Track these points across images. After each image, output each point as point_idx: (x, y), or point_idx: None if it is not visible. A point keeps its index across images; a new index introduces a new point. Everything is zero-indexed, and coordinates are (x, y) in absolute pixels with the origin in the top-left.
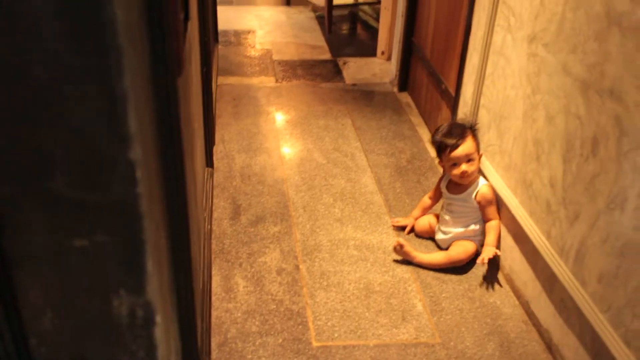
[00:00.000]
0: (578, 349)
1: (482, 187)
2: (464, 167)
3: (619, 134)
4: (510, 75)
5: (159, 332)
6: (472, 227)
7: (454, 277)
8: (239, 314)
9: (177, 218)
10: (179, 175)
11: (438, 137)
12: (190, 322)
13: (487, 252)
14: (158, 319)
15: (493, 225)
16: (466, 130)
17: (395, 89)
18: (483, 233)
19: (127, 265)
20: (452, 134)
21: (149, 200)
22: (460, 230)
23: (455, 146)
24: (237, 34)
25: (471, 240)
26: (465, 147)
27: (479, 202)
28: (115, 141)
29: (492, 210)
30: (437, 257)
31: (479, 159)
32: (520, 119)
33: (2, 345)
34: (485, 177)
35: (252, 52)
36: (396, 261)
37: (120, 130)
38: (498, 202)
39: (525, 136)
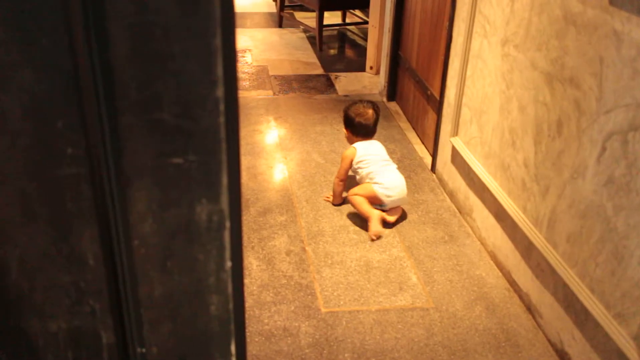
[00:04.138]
0: (553, 304)
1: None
2: None
3: (578, 115)
4: (488, 75)
5: (227, 235)
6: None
7: (444, 255)
8: (255, 288)
9: (236, 147)
10: (238, 112)
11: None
12: (240, 231)
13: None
14: (227, 224)
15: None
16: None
17: (384, 99)
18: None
19: (209, 179)
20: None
21: (226, 128)
22: None
23: None
24: None
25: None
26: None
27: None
28: (208, 83)
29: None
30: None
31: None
32: (497, 111)
33: (117, 246)
34: (468, 164)
35: (250, 68)
36: (391, 243)
37: (211, 76)
38: (481, 186)
39: (502, 126)
